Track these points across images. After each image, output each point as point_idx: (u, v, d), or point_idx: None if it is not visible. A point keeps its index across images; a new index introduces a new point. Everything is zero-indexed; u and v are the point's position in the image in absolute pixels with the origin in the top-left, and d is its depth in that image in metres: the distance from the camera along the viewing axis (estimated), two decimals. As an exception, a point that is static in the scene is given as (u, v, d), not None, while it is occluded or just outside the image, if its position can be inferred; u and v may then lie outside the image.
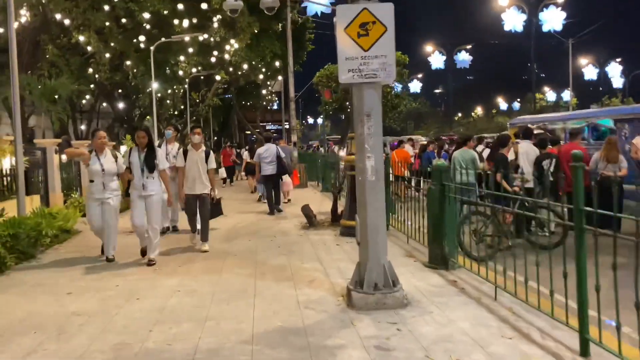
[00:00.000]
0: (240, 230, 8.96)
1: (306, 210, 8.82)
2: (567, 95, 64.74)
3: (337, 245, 7.36)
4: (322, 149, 24.51)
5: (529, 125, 13.38)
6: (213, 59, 19.82)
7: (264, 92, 27.40)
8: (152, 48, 17.77)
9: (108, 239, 6.54)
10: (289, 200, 12.83)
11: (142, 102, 32.85)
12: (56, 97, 17.85)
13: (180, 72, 20.38)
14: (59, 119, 16.97)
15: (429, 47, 51.69)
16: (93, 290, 5.32)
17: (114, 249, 6.62)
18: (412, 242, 7.16)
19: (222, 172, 14.16)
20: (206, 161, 7.12)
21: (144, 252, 6.65)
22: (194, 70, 20.70)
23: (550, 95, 70.98)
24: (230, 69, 26.17)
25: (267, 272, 5.85)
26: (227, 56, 20.21)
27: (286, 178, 11.80)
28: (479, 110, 78.73)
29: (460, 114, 79.47)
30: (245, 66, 21.37)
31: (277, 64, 21.46)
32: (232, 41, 18.25)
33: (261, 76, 23.47)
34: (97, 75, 19.81)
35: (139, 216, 6.41)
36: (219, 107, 38.22)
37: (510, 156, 9.33)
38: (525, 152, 8.48)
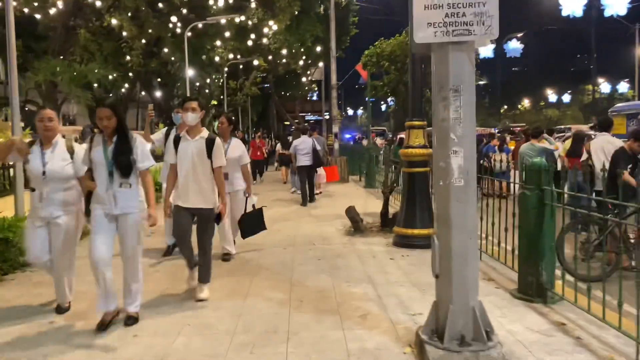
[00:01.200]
0: (274, 233, 7.70)
1: (351, 213, 7.47)
2: (623, 87, 60.73)
3: (391, 259, 5.98)
4: (365, 141, 23.07)
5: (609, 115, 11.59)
6: (250, 42, 18.60)
7: (303, 80, 25.96)
8: (187, 32, 16.71)
9: (58, 281, 4.21)
10: (320, 192, 12.40)
11: (182, 92, 32.18)
12: (94, 84, 17.17)
13: (217, 58, 19.31)
14: (89, 106, 16.23)
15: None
16: (77, 318, 4.14)
17: (69, 292, 4.31)
18: (486, 259, 5.69)
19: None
20: (209, 155, 4.43)
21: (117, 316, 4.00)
22: (231, 56, 19.60)
23: (604, 86, 66.86)
24: (270, 57, 24.98)
25: (305, 299, 4.54)
26: (265, 40, 18.99)
27: (320, 170, 11.73)
28: (525, 103, 75.41)
29: (506, 106, 76.28)
30: (284, 51, 20.07)
31: (318, 49, 20.08)
32: (271, 22, 17.00)
33: (301, 62, 22.13)
34: (130, 61, 18.97)
35: (101, 250, 3.84)
36: (258, 97, 37.26)
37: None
38: (601, 148, 6.81)
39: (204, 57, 19.05)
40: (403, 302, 4.40)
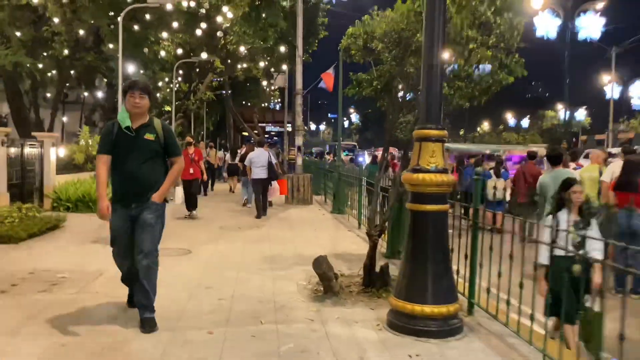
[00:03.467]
0: (202, 292, 5.07)
1: (322, 267, 4.91)
2: (580, 114, 61.23)
3: (393, 366, 3.46)
4: (328, 157, 20.53)
5: None
6: (199, 32, 15.78)
7: (264, 83, 23.11)
8: (121, 16, 13.84)
9: None
10: (270, 203, 12.07)
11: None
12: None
13: (163, 53, 16.49)
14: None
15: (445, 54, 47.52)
16: None
17: None
18: (497, 327, 3.26)
19: (178, 193, 10.34)
20: None
21: None
22: (179, 51, 16.78)
23: (562, 113, 67.60)
24: (229, 61, 22.29)
25: None
26: (220, 33, 16.31)
27: (274, 184, 11.52)
28: (485, 126, 75.76)
29: (463, 130, 76.42)
30: (242, 49, 17.38)
31: (282, 49, 17.58)
32: (225, 9, 14.30)
33: (262, 64, 19.47)
34: (52, 49, 15.88)
35: None
36: (215, 104, 34.38)
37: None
38: None
39: (146, 50, 16.19)
40: None
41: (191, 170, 10.21)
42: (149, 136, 4.02)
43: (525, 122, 71.43)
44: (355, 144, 39.14)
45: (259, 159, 10.91)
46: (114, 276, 4.81)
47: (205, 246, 7.54)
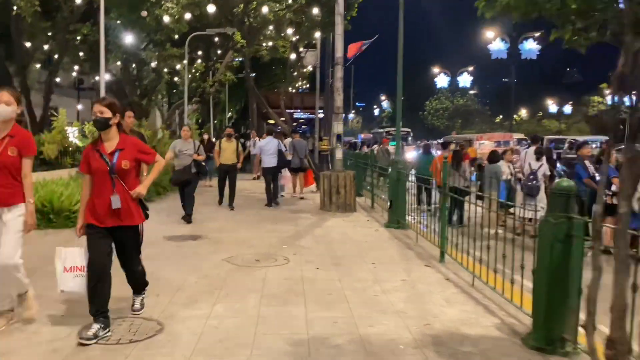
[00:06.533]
0: None
1: None
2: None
3: None
4: (375, 147, 16.84)
5: None
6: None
7: (292, 57, 19.44)
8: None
9: None
10: (301, 197, 11.97)
11: (147, 78, 25.98)
12: None
13: (167, 19, 13.26)
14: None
15: (489, 33, 43.19)
16: None
17: None
18: None
19: (65, 261, 3.72)
20: None
21: None
22: (187, 16, 13.48)
23: (610, 98, 62.40)
24: (249, 33, 18.92)
25: None
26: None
27: (285, 172, 11.66)
28: (522, 113, 71.64)
29: (501, 116, 72.37)
30: (265, 10, 13.83)
31: (314, 11, 13.98)
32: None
33: (290, 31, 15.83)
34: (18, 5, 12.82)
35: None
36: (238, 89, 31.19)
37: None
38: None
39: (144, 13, 12.96)
40: None
41: (116, 203, 3.65)
42: None
43: (567, 109, 66.82)
44: (409, 130, 32.84)
45: (268, 147, 10.85)
46: None
47: (192, 309, 4.26)
